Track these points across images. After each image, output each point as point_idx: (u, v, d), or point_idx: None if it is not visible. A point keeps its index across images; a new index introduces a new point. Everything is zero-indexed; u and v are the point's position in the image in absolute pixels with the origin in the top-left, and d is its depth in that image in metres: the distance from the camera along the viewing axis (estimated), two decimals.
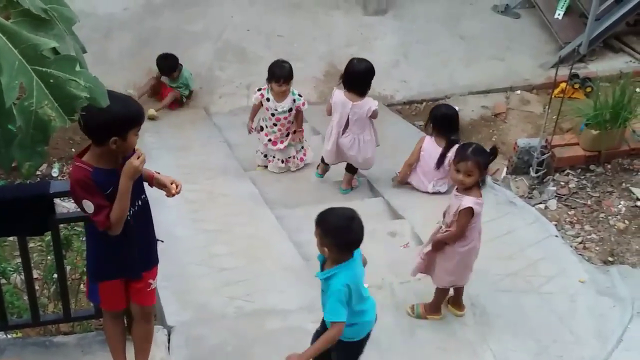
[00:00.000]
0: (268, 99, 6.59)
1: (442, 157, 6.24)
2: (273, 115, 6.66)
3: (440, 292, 4.87)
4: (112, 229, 3.52)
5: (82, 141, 7.40)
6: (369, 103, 6.15)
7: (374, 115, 6.18)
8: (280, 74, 6.49)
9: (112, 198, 3.48)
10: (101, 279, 3.79)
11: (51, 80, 2.27)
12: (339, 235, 3.67)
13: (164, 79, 8.28)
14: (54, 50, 2.34)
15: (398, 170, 6.55)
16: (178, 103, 8.30)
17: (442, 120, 6.28)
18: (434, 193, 6.38)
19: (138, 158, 3.50)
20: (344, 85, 6.17)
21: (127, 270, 3.79)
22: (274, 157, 6.85)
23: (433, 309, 4.92)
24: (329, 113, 6.33)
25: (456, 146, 5.76)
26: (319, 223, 3.68)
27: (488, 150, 4.58)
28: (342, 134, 6.24)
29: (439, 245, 4.64)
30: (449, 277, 4.74)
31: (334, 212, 3.73)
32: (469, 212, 4.47)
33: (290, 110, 6.64)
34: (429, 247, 4.71)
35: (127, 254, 3.72)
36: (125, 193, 3.50)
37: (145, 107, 7.88)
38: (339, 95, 6.18)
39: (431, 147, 6.33)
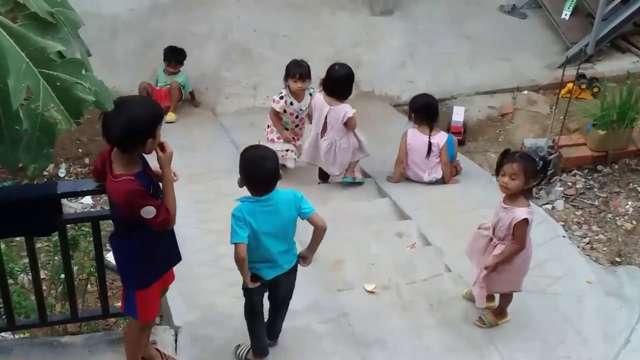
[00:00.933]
0: (292, 103, 6.52)
1: (430, 145, 6.46)
2: (297, 117, 6.65)
3: (504, 297, 4.84)
4: (171, 222, 3.67)
5: (89, 142, 7.42)
6: (345, 109, 6.29)
7: (349, 122, 6.31)
8: (296, 70, 6.46)
9: (155, 196, 3.60)
10: (145, 285, 3.83)
11: (58, 84, 2.27)
12: (249, 171, 3.94)
13: (162, 75, 8.27)
14: (60, 54, 2.35)
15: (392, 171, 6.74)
16: (181, 93, 8.31)
17: (422, 109, 6.54)
18: (431, 184, 6.59)
19: (163, 148, 3.60)
20: (324, 89, 6.35)
21: (161, 268, 3.91)
22: (288, 150, 6.73)
23: (502, 313, 4.89)
24: (310, 117, 6.55)
25: (442, 132, 6.53)
26: (240, 157, 3.99)
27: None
28: (321, 137, 6.46)
29: (497, 265, 4.58)
30: (507, 286, 4.74)
31: (251, 149, 4.07)
32: (525, 224, 4.44)
33: (307, 106, 6.68)
34: (486, 271, 4.61)
35: (160, 251, 3.84)
36: (171, 182, 3.64)
37: None
38: (319, 97, 6.42)
39: (416, 138, 6.53)
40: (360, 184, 6.72)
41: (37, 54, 2.25)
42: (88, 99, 2.33)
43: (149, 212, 3.51)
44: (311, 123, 6.68)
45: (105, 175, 3.60)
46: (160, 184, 3.69)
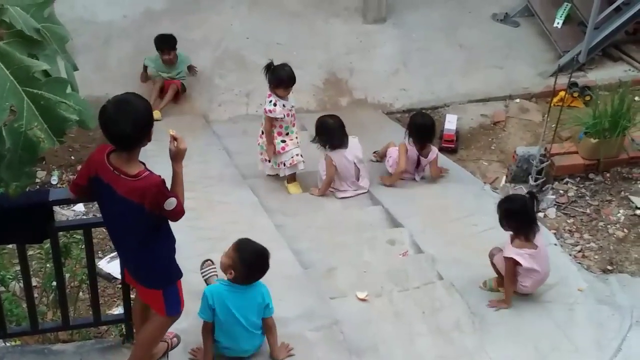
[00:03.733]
0: (283, 105, 6.50)
1: (419, 160, 6.79)
2: (292, 115, 6.65)
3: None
4: (184, 213, 3.70)
5: (82, 149, 7.41)
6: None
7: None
8: (290, 81, 6.50)
9: None
10: (180, 272, 3.93)
11: (42, 102, 2.28)
12: (249, 268, 4.29)
13: (161, 66, 8.24)
14: (45, 73, 2.35)
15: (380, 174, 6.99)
16: (180, 93, 8.27)
17: (419, 130, 6.75)
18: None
19: (176, 142, 3.72)
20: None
21: None
22: (298, 154, 6.70)
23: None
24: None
25: (433, 148, 6.79)
26: (237, 250, 4.28)
27: None
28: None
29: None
30: None
31: (251, 245, 4.36)
32: (510, 262, 5.00)
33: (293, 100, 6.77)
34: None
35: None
36: (182, 176, 3.71)
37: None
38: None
39: (411, 153, 6.76)
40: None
41: (22, 73, 2.25)
42: (72, 118, 2.33)
43: (171, 203, 3.57)
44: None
45: (89, 187, 3.61)
46: None
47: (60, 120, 2.30)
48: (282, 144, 6.60)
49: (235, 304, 4.25)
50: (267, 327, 4.46)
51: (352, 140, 6.69)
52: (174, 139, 3.71)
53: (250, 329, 4.37)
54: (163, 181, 3.56)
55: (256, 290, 4.37)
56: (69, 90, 2.34)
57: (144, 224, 3.65)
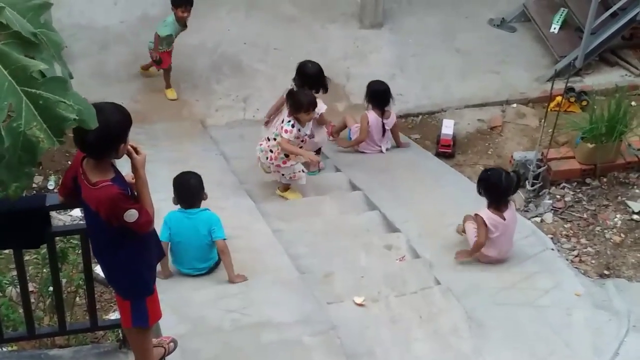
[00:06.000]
0: (299, 130, 6.47)
1: (383, 125, 7.37)
2: (302, 140, 6.61)
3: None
4: (152, 224, 3.63)
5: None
6: (320, 105, 6.84)
7: (320, 118, 6.99)
8: (310, 105, 6.46)
9: (133, 199, 3.57)
10: (152, 289, 3.81)
11: (40, 102, 2.26)
12: (178, 195, 5.31)
13: (176, 26, 8.00)
14: (42, 74, 2.34)
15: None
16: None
17: (374, 96, 7.39)
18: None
19: (137, 151, 3.58)
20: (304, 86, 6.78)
21: (155, 267, 3.89)
22: (300, 170, 6.72)
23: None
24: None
25: (392, 114, 7.44)
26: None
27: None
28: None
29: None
30: None
31: (179, 176, 5.37)
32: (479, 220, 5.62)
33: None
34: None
35: (151, 251, 3.81)
36: (147, 184, 3.61)
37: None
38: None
39: (374, 120, 7.34)
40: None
41: (20, 72, 2.24)
42: (71, 117, 2.31)
43: (131, 215, 3.47)
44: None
45: (74, 189, 3.59)
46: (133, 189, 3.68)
47: (59, 119, 2.28)
48: (285, 158, 6.54)
49: (186, 226, 4.72)
50: (219, 250, 5.30)
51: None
52: (134, 149, 3.60)
53: (201, 251, 5.31)
54: (120, 194, 3.46)
55: (204, 215, 5.30)
56: (68, 89, 2.32)
57: (104, 231, 3.60)
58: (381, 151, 7.48)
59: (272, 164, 6.59)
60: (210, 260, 5.39)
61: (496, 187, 5.60)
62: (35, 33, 2.41)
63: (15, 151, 2.26)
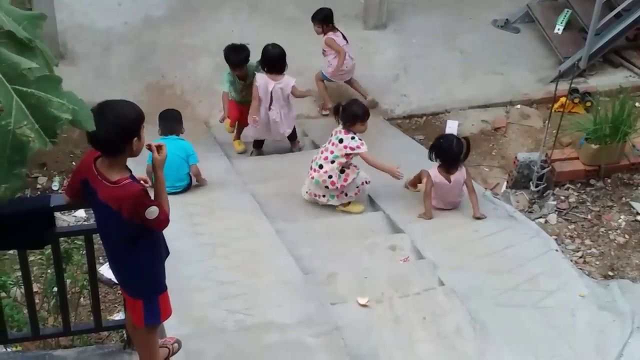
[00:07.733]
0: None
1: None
2: None
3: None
4: (168, 222, 3.66)
5: (83, 155, 7.40)
6: (288, 81, 7.18)
7: (293, 90, 7.22)
8: (366, 115, 6.40)
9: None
10: (165, 286, 3.84)
11: (32, 101, 2.19)
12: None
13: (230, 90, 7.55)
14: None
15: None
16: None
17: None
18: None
19: (160, 150, 3.66)
20: (266, 68, 7.19)
21: (164, 265, 3.90)
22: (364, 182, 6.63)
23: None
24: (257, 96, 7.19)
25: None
26: None
27: None
28: (269, 109, 7.22)
29: None
30: None
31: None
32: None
33: None
34: None
35: (161, 249, 3.84)
36: (164, 184, 3.66)
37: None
38: (262, 77, 7.16)
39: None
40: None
41: (10, 70, 2.18)
42: (63, 117, 2.25)
43: (152, 212, 3.49)
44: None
45: (82, 191, 3.60)
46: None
47: (51, 119, 2.22)
48: (344, 175, 6.36)
49: (168, 150, 4.69)
50: (194, 173, 6.50)
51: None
52: (155, 147, 3.66)
53: (179, 172, 6.36)
54: (143, 190, 3.50)
55: (182, 143, 6.46)
56: (62, 88, 2.27)
57: (122, 231, 3.60)
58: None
59: (336, 188, 6.37)
60: (184, 180, 6.48)
61: (447, 152, 6.28)
62: (30, 38, 2.35)
63: (4, 151, 2.18)
